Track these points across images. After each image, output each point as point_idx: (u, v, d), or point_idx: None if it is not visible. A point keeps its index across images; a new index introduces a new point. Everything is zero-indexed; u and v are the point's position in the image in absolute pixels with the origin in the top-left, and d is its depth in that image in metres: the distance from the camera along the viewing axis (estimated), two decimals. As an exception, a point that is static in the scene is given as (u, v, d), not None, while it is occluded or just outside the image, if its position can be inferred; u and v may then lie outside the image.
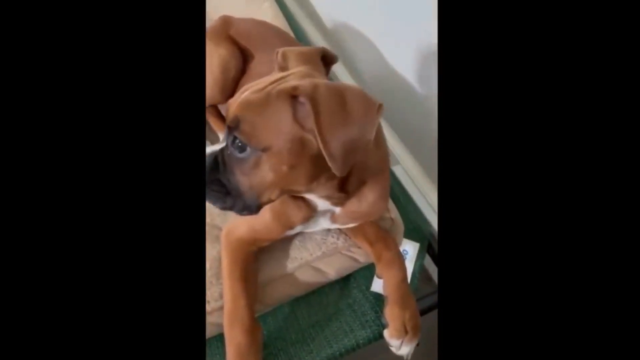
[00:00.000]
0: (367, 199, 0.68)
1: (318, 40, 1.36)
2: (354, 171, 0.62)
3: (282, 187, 0.57)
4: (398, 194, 1.02)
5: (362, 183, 0.66)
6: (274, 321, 0.81)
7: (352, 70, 1.32)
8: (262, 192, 0.57)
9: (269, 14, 1.25)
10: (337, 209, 0.70)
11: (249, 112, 0.53)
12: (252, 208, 0.59)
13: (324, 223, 0.75)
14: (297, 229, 0.75)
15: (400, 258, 0.78)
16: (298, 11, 1.45)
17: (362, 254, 0.84)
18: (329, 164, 0.52)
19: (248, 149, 0.54)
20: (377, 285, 0.83)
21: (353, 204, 0.68)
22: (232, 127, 0.54)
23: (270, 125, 0.53)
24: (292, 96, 0.53)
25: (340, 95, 0.52)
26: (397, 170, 1.11)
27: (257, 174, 0.55)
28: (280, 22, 1.22)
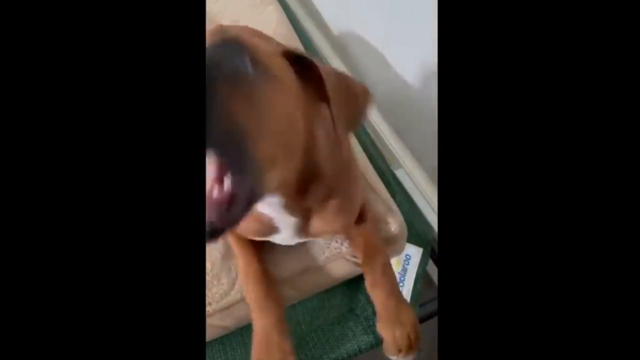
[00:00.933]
0: (328, 210, 0.64)
1: (322, 44, 1.37)
2: (313, 175, 0.57)
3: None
4: (401, 198, 1.01)
5: (323, 192, 0.61)
6: (275, 325, 0.81)
7: (355, 72, 1.32)
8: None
9: (274, 18, 1.25)
10: (297, 220, 0.64)
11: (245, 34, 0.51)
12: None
13: (288, 236, 0.69)
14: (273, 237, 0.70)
15: (384, 276, 0.72)
16: (302, 14, 1.46)
17: (365, 259, 0.83)
18: (335, 121, 0.50)
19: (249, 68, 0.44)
20: (380, 290, 0.82)
21: (316, 219, 0.64)
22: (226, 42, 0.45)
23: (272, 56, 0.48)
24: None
25: (343, 76, 0.55)
26: (400, 174, 1.11)
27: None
28: (284, 26, 1.23)
